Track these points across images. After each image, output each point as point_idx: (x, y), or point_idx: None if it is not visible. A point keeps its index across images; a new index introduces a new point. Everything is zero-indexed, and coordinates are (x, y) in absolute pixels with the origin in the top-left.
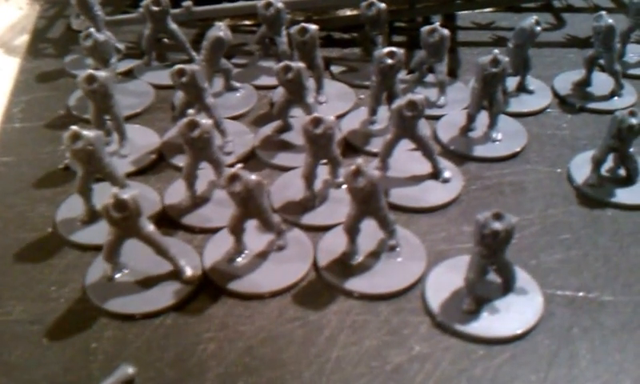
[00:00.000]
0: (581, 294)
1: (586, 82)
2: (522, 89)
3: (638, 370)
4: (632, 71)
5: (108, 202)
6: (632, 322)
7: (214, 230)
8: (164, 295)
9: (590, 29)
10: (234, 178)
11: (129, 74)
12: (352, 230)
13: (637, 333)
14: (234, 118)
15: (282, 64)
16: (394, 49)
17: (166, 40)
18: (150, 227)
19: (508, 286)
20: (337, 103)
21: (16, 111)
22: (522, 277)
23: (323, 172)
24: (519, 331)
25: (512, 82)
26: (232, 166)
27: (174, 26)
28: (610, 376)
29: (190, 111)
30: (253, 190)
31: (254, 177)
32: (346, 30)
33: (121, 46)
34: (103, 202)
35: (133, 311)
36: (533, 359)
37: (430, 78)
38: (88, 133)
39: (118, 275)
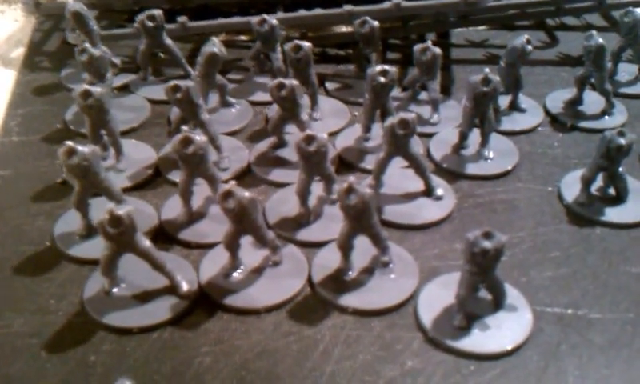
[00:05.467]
0: (570, 311)
1: (577, 101)
2: (513, 107)
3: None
4: (623, 90)
5: (104, 217)
6: (619, 340)
7: (210, 246)
8: (161, 309)
9: (581, 47)
10: (228, 194)
11: (125, 89)
12: (346, 247)
13: (624, 350)
14: (230, 134)
15: (276, 81)
16: (386, 67)
17: (161, 55)
18: (146, 242)
19: (498, 302)
20: (331, 120)
21: (13, 124)
22: (512, 294)
23: (318, 188)
24: (509, 347)
25: (504, 101)
26: (227, 182)
27: (169, 41)
28: None
29: (184, 128)
30: (247, 207)
31: (247, 194)
32: (341, 46)
33: (116, 60)
34: (99, 218)
35: (130, 325)
36: (522, 375)
37: (423, 95)
38: (83, 148)
39: (115, 289)
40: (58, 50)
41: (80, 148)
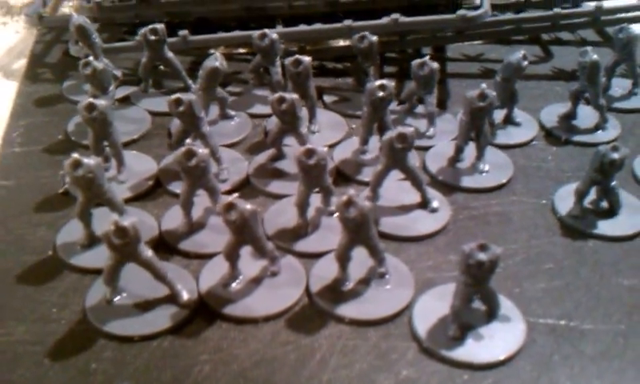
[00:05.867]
0: (562, 322)
1: (571, 115)
2: (509, 121)
3: None
4: (617, 105)
5: (109, 228)
6: (611, 351)
7: (210, 256)
8: (161, 318)
9: (576, 62)
10: (229, 207)
11: (126, 101)
12: (343, 258)
13: (615, 361)
14: (229, 146)
15: (276, 95)
16: (385, 82)
17: (162, 67)
18: (149, 252)
19: (492, 313)
20: (329, 132)
21: (15, 135)
22: (506, 305)
23: (316, 200)
24: (502, 357)
25: (499, 114)
26: (228, 193)
27: (170, 54)
28: None
29: (188, 141)
30: (248, 219)
31: (249, 206)
32: (339, 59)
33: (118, 72)
34: (104, 229)
35: (131, 333)
36: (515, 383)
37: (419, 108)
38: (88, 160)
39: (117, 298)
40: (60, 62)
41: (85, 160)
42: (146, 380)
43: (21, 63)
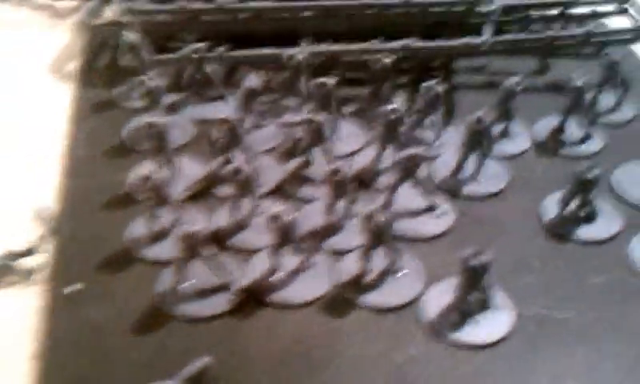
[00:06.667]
0: (545, 311)
1: (560, 129)
2: (504, 135)
3: (584, 371)
4: (603, 120)
5: (183, 231)
6: (585, 335)
7: (255, 251)
8: (220, 303)
9: (570, 74)
10: (276, 216)
11: (171, 109)
12: (366, 257)
13: (588, 343)
14: (264, 153)
15: (306, 116)
16: (396, 106)
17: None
18: (211, 249)
19: (487, 303)
20: (349, 142)
21: (78, 139)
22: (499, 296)
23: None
24: (495, 339)
25: (497, 128)
26: (266, 196)
27: (210, 68)
28: (561, 373)
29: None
30: (290, 225)
31: (291, 215)
32: (357, 69)
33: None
34: (181, 231)
35: (196, 315)
36: (506, 361)
37: (427, 121)
38: (157, 171)
39: (183, 285)
40: (108, 68)
41: (154, 171)
42: (214, 354)
43: (72, 67)
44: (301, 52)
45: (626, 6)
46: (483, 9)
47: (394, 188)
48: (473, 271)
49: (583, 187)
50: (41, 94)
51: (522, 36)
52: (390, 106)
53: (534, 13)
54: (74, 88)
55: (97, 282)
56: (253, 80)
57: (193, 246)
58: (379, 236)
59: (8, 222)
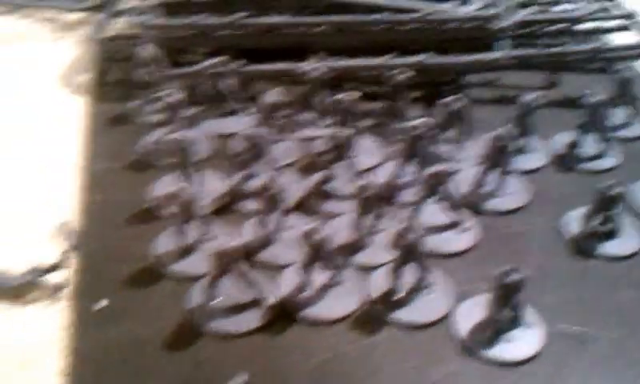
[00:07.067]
0: (575, 328)
1: (577, 144)
2: (522, 150)
3: None
4: (618, 133)
5: (219, 247)
6: (613, 353)
7: (282, 267)
8: (251, 319)
9: (581, 88)
10: (310, 233)
11: (190, 123)
12: (396, 272)
13: (616, 362)
14: (283, 168)
15: (329, 131)
16: (420, 120)
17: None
18: (244, 265)
19: (518, 320)
20: (368, 157)
21: (96, 153)
22: (529, 312)
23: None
24: (527, 356)
25: (516, 143)
26: (289, 211)
27: (227, 81)
28: None
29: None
30: (322, 241)
31: (324, 232)
32: (371, 84)
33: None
34: (216, 246)
35: (228, 331)
36: (538, 378)
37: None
38: (183, 186)
39: (215, 301)
40: (121, 81)
41: (181, 188)
42: (248, 370)
43: (82, 78)
44: (317, 67)
45: (630, 22)
46: (497, 25)
47: (419, 203)
48: (506, 289)
49: (606, 204)
50: (52, 107)
51: (534, 51)
52: (412, 123)
53: (545, 28)
54: (87, 102)
55: (124, 299)
56: (273, 95)
57: (226, 263)
58: (410, 253)
59: (29, 238)
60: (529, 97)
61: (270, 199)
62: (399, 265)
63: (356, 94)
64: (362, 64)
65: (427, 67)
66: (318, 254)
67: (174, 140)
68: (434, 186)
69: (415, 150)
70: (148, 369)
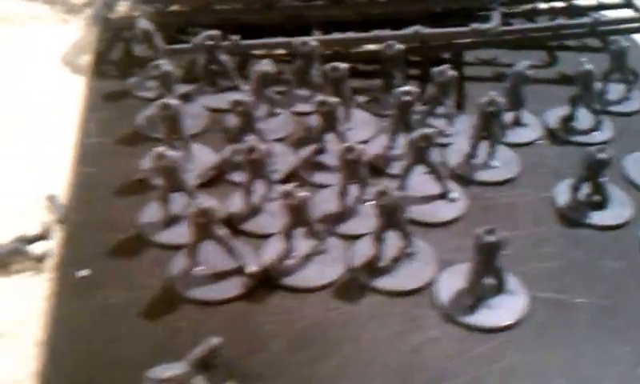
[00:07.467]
0: (558, 295)
1: (571, 118)
2: (516, 122)
3: (597, 356)
4: (611, 108)
5: (193, 209)
6: (598, 320)
7: (269, 236)
8: (233, 286)
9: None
10: (288, 194)
11: (185, 98)
12: (378, 239)
13: (601, 329)
14: (277, 141)
15: (319, 98)
16: (409, 88)
17: (214, 67)
18: (223, 231)
19: (500, 287)
20: (362, 130)
21: (91, 127)
22: (512, 280)
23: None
24: (508, 323)
25: (508, 116)
26: (283, 182)
27: (223, 56)
28: (573, 357)
29: (248, 138)
30: (302, 203)
31: (303, 193)
32: (369, 63)
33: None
34: (190, 210)
35: (209, 298)
36: (518, 344)
37: (439, 109)
38: (172, 153)
39: (196, 269)
40: (122, 60)
41: (169, 153)
42: (226, 337)
43: (85, 59)
44: (312, 39)
45: None
46: None
47: (407, 170)
48: (486, 249)
49: (594, 169)
50: (53, 86)
51: (529, 25)
52: (402, 89)
53: (541, 4)
54: (87, 79)
55: (109, 267)
56: (266, 65)
57: (206, 226)
58: (391, 216)
59: (20, 209)
60: (519, 65)
61: (257, 166)
62: (381, 228)
63: (345, 65)
64: (356, 37)
65: (422, 38)
66: (299, 217)
67: (165, 105)
68: (421, 152)
69: (407, 117)
70: (124, 335)
